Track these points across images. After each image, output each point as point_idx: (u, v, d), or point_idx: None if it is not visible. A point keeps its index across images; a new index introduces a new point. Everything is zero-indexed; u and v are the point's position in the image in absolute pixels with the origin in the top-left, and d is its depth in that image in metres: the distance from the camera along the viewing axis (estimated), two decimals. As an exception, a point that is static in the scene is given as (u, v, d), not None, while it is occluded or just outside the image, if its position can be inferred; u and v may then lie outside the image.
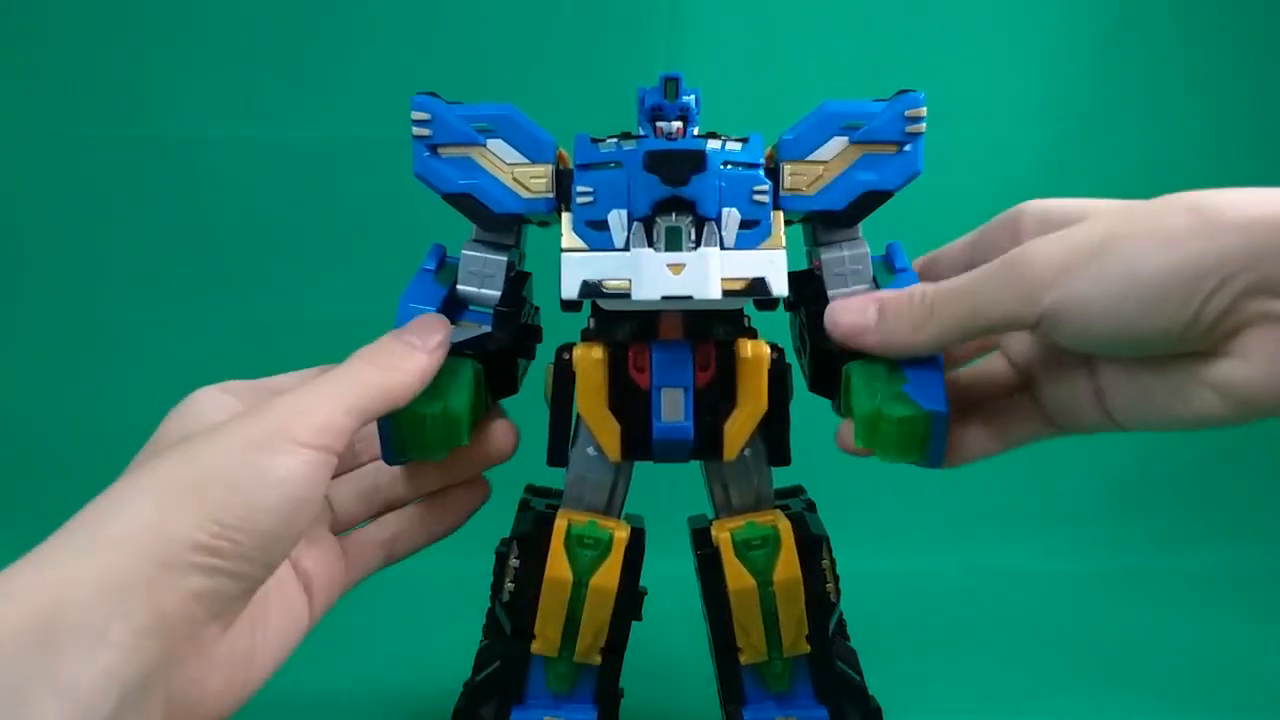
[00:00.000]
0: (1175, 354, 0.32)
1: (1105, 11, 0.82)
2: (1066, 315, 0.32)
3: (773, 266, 0.37)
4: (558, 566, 0.39)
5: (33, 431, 0.80)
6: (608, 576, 0.39)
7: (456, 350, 0.39)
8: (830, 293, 0.41)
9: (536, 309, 0.44)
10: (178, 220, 0.80)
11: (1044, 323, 0.33)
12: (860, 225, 0.41)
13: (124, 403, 0.77)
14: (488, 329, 0.41)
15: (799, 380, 0.42)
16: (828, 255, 0.41)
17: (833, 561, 0.41)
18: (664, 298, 0.36)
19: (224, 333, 0.80)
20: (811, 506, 0.43)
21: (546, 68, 0.78)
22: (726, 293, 0.37)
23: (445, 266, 0.42)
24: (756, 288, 0.37)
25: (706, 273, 0.37)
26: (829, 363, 0.40)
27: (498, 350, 0.41)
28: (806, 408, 0.42)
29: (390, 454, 0.39)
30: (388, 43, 0.79)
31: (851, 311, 0.38)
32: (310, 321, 0.78)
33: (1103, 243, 0.31)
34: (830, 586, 0.40)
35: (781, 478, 0.43)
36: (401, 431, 0.38)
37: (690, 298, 0.36)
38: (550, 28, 0.79)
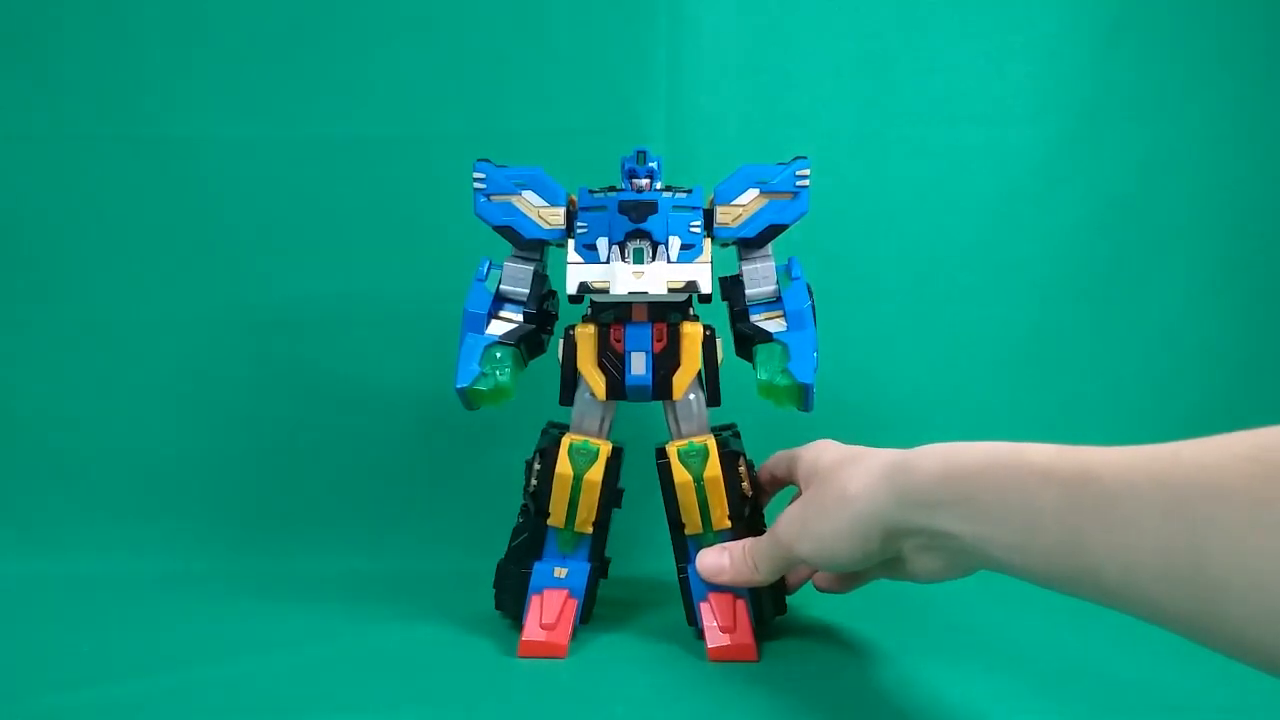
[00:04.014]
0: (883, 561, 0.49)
1: (1103, 11, 0.82)
2: (809, 560, 0.53)
3: (702, 273, 0.58)
4: (564, 466, 0.59)
5: (32, 431, 0.80)
6: (595, 474, 0.59)
7: (502, 341, 0.60)
8: (748, 291, 0.61)
9: (554, 293, 0.64)
10: (178, 220, 0.80)
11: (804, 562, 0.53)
12: (770, 245, 0.62)
13: (124, 402, 0.80)
14: (520, 319, 0.62)
15: (730, 348, 0.63)
16: (747, 266, 0.62)
17: (749, 466, 0.61)
18: (630, 293, 0.57)
19: (224, 333, 0.80)
20: (736, 435, 0.63)
21: (547, 68, 0.79)
22: (670, 289, 0.58)
23: (490, 272, 0.62)
24: (690, 287, 0.58)
25: (657, 278, 0.58)
26: (745, 340, 0.61)
27: (529, 334, 0.62)
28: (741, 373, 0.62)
29: (467, 406, 0.60)
30: (388, 43, 0.79)
31: (711, 557, 0.58)
32: (310, 321, 0.80)
33: (804, 523, 0.52)
34: (745, 485, 0.60)
35: (721, 417, 0.63)
36: (471, 399, 0.60)
37: (646, 293, 0.57)
38: (551, 28, 0.79)
